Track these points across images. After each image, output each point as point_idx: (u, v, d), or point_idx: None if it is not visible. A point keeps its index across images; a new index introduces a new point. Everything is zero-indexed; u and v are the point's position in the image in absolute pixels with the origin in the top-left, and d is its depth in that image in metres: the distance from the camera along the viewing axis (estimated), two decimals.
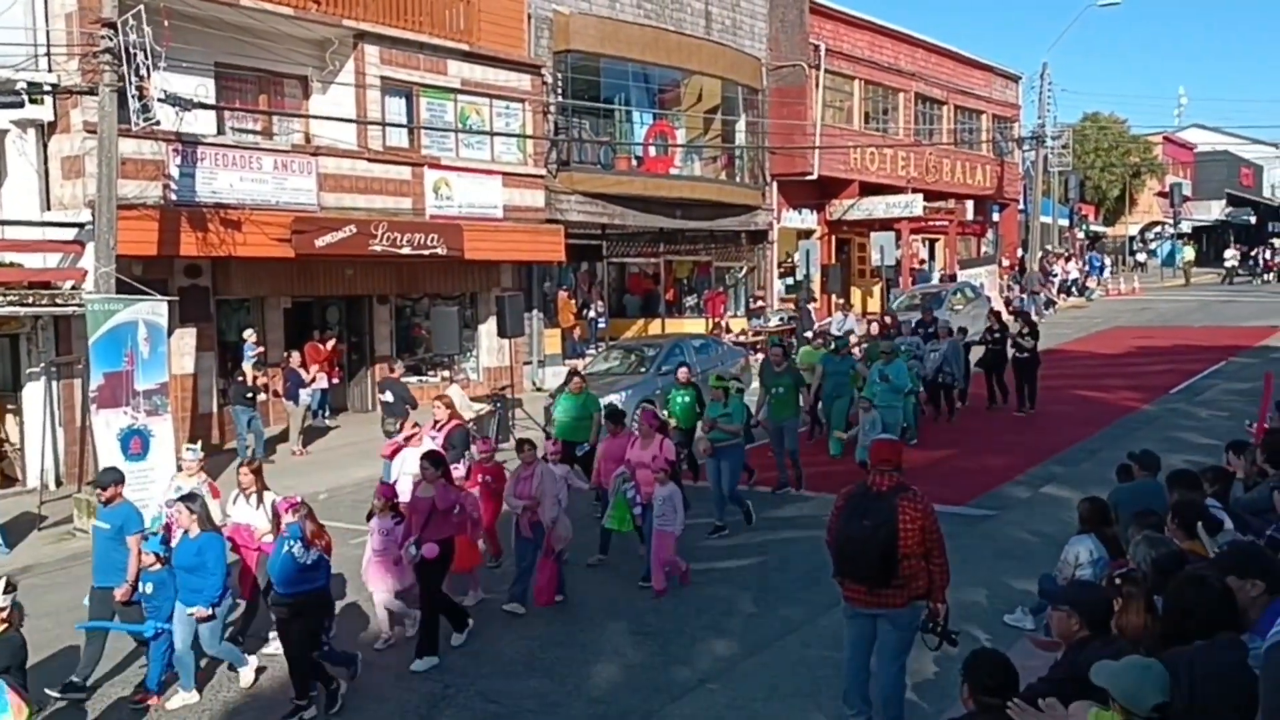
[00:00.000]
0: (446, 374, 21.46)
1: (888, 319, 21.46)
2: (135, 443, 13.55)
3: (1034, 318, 19.14)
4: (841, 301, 28.45)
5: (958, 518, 11.70)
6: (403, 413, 15.12)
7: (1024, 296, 34.42)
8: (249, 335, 17.90)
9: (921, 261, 36.77)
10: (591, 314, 25.64)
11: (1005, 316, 18.78)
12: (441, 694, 8.25)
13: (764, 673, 8.28)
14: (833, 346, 16.11)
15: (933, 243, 38.92)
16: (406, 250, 19.30)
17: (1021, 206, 42.80)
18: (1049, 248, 41.88)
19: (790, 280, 30.52)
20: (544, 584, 9.72)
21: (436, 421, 11.77)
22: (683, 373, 13.64)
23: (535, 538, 9.64)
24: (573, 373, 13.72)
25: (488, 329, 22.59)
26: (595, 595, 10.34)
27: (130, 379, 13.64)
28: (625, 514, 10.40)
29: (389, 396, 15.81)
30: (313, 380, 18.22)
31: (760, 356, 18.51)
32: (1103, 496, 7.80)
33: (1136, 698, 3.83)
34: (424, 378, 21.36)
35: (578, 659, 8.78)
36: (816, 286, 28.21)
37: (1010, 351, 17.77)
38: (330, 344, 20.03)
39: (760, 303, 29.53)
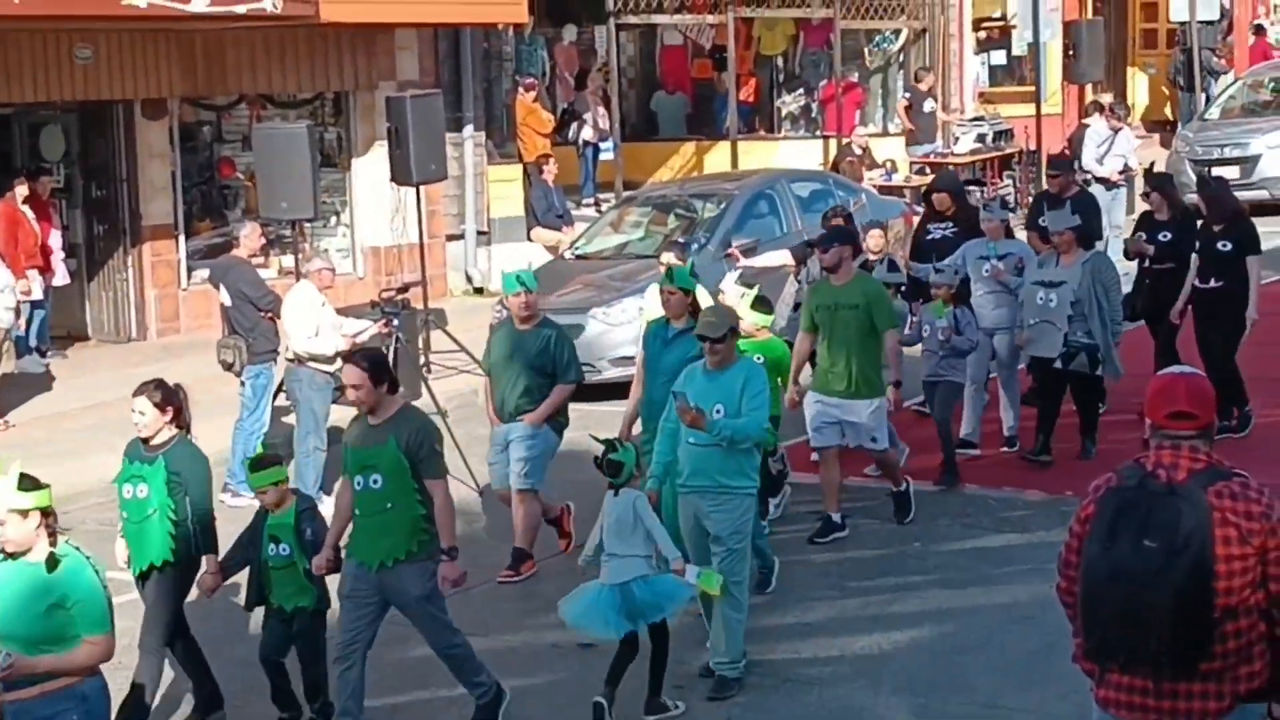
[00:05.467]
0: (291, 258, 20.47)
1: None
2: None
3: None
4: (1107, 102, 26.30)
5: None
6: (253, 325, 15.38)
7: None
8: None
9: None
10: (586, 134, 26.05)
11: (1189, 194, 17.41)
12: None
13: None
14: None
15: None
16: (200, 5, 18.51)
17: None
18: None
19: (1003, 54, 30.45)
20: None
21: None
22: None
23: None
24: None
25: (370, 167, 22.22)
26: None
27: None
28: None
29: (225, 296, 15.61)
30: (20, 281, 18.15)
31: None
32: None
33: None
34: None
35: None
36: (1050, 68, 27.72)
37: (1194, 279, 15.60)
38: (40, 203, 19.71)
39: (934, 103, 28.23)
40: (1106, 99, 26.73)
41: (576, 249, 20.10)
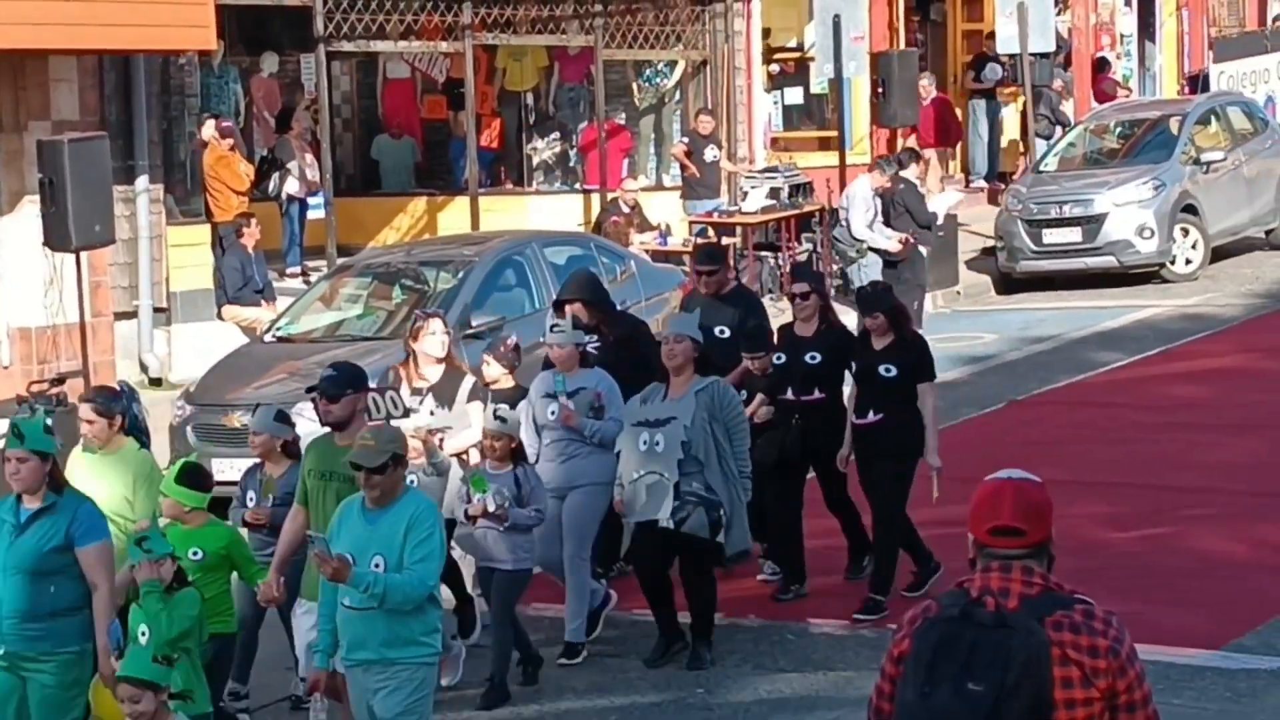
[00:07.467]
0: None
1: None
2: None
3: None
4: (912, 150, 26.25)
5: (1205, 674, 11.91)
6: None
7: None
8: None
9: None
10: (290, 187, 25.18)
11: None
12: None
13: None
14: None
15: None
16: None
17: None
18: None
19: (799, 92, 30.59)
20: None
21: None
22: None
23: None
24: None
25: (18, 229, 21.41)
26: None
27: None
28: None
29: None
30: None
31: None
32: None
33: None
34: None
35: None
36: (856, 108, 28.40)
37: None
38: None
39: (717, 151, 27.10)
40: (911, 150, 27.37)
41: (279, 330, 19.32)
